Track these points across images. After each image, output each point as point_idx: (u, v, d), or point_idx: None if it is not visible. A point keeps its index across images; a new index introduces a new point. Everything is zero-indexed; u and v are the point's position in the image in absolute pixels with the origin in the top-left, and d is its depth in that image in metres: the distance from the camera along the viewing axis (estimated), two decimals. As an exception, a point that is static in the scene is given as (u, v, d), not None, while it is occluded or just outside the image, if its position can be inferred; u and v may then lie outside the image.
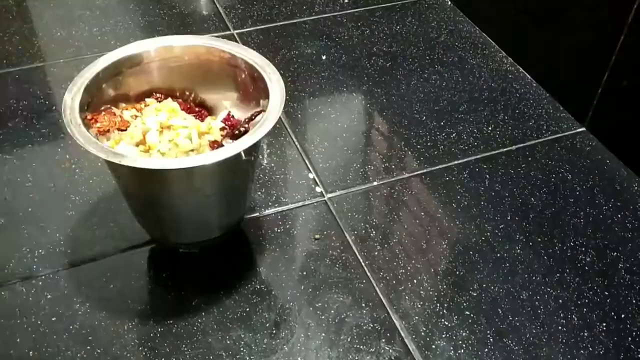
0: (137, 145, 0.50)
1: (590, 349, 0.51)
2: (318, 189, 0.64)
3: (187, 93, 0.55)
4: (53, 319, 0.51)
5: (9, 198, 0.61)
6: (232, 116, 0.53)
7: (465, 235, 0.60)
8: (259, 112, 0.50)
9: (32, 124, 0.70)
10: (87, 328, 0.50)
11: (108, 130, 0.49)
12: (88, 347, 0.49)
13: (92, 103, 0.49)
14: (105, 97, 0.51)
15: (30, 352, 0.49)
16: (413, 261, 0.57)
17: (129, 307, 0.52)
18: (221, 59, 0.53)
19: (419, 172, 0.67)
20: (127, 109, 0.52)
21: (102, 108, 0.51)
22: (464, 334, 0.52)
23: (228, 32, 0.86)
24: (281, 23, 0.88)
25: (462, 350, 0.51)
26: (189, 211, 0.51)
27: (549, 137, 0.72)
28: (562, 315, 0.53)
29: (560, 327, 0.53)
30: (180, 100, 0.54)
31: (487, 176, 0.67)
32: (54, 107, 0.73)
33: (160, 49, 0.52)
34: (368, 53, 0.83)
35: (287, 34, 0.86)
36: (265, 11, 0.90)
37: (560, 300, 0.55)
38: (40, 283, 0.54)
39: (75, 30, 0.85)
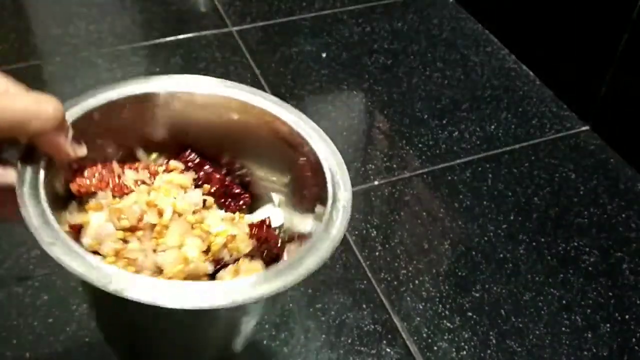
0: (122, 230, 0.32)
1: (594, 350, 0.51)
2: (318, 188, 0.64)
3: (237, 165, 0.39)
4: (49, 320, 0.50)
5: (5, 197, 0.61)
6: (269, 226, 0.36)
7: (468, 236, 0.59)
8: (300, 238, 0.35)
9: (29, 122, 0.69)
10: (84, 329, 0.50)
11: (94, 192, 0.32)
12: (85, 349, 0.49)
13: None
14: (100, 135, 0.34)
15: (27, 354, 0.48)
16: (414, 262, 0.57)
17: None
18: (275, 129, 0.37)
19: (420, 172, 0.66)
20: (134, 167, 0.35)
21: (97, 160, 0.34)
22: (466, 335, 0.51)
23: (226, 29, 0.85)
24: (280, 20, 0.87)
25: (465, 352, 0.50)
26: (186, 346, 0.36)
27: (553, 136, 0.71)
28: (565, 316, 0.53)
29: (563, 329, 0.52)
30: (223, 170, 0.39)
31: (490, 175, 0.66)
32: (50, 105, 0.72)
33: (195, 96, 0.36)
34: (369, 50, 0.82)
35: (287, 31, 0.85)
36: (264, 8, 0.90)
37: (564, 301, 0.54)
38: (37, 284, 0.53)
39: (72, 27, 0.84)
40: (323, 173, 0.35)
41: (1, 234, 0.57)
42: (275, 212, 0.38)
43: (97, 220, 0.31)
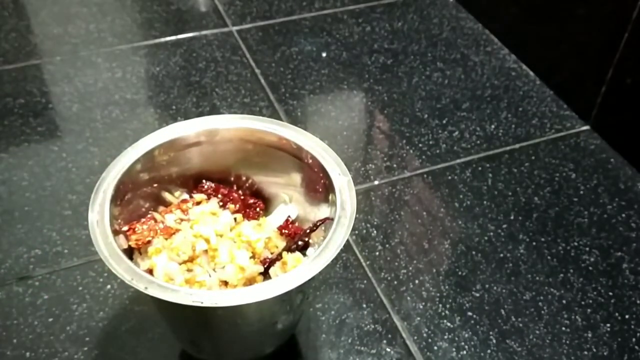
0: (184, 262, 0.40)
1: (594, 350, 0.51)
2: (318, 188, 0.63)
3: (244, 179, 0.46)
4: (50, 320, 0.50)
5: (4, 197, 0.61)
6: (292, 222, 0.45)
7: (468, 235, 0.59)
8: (323, 221, 0.41)
9: (29, 122, 0.69)
10: (84, 329, 0.50)
11: (149, 242, 0.40)
12: (85, 349, 0.49)
13: (126, 197, 0.41)
14: (143, 186, 0.43)
15: (27, 353, 0.48)
16: (415, 261, 0.57)
17: (127, 308, 0.52)
18: (282, 145, 0.44)
19: (420, 171, 0.66)
20: (169, 211, 0.43)
21: (144, 212, 0.43)
22: (466, 335, 0.51)
23: (227, 29, 0.85)
24: (280, 20, 0.87)
25: (465, 352, 0.50)
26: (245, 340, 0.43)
27: (553, 136, 0.71)
28: (565, 316, 0.53)
29: (563, 328, 0.52)
30: (234, 187, 0.46)
31: (490, 175, 0.66)
32: (50, 105, 0.72)
33: (211, 130, 0.44)
34: (369, 50, 0.82)
35: (287, 31, 0.85)
36: (264, 7, 0.90)
37: (564, 301, 0.54)
38: (37, 283, 0.53)
39: (72, 27, 0.84)
40: (325, 169, 0.41)
41: (0, 233, 0.57)
42: (289, 208, 0.45)
43: (161, 261, 0.39)
